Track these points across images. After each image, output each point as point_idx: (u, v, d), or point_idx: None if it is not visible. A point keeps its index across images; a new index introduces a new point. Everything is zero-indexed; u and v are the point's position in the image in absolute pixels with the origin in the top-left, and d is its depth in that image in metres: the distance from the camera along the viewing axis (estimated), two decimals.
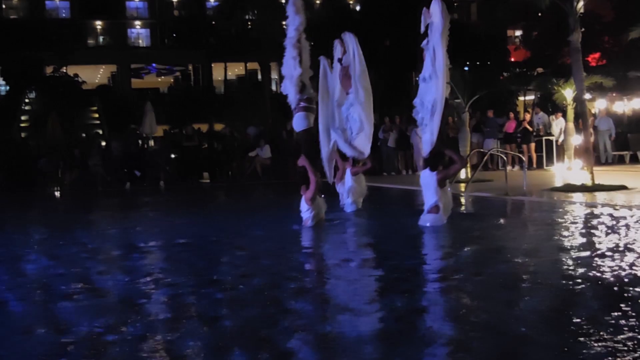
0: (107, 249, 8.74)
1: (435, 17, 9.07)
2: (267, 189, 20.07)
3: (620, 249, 6.72)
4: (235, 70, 53.30)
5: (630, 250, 6.66)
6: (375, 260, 7.27)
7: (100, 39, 54.51)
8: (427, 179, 9.04)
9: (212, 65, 51.26)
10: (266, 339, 4.15)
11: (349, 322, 4.51)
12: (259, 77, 49.53)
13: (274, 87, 52.07)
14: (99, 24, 53.90)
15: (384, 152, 22.96)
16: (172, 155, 24.54)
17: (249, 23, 48.87)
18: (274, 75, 52.10)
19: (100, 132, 32.66)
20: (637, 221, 8.67)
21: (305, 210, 9.72)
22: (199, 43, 44.76)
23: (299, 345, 4.03)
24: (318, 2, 56.04)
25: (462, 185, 14.66)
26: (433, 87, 9.03)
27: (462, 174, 17.72)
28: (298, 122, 10.25)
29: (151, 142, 27.44)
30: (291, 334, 4.30)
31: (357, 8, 53.67)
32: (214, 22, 48.46)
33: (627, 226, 8.27)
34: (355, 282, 5.93)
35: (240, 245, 8.52)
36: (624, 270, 5.71)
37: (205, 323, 4.62)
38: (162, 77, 55.30)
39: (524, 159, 18.00)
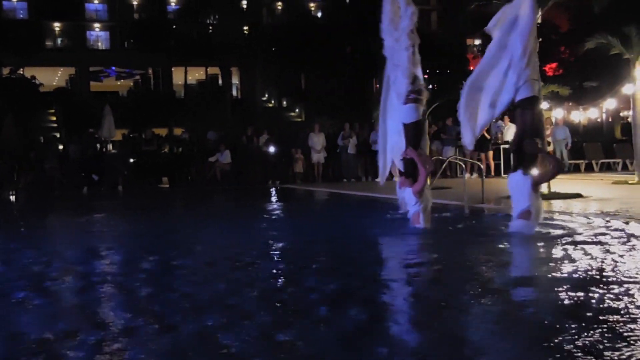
0: (60, 253, 8.60)
1: (523, 10, 8.52)
2: (227, 194, 19.99)
3: (575, 256, 6.80)
4: (196, 74, 53.12)
5: (586, 254, 6.74)
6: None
7: (59, 40, 53.83)
8: (520, 182, 8.42)
9: (173, 69, 51.03)
10: (225, 347, 4.12)
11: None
12: (220, 81, 49.38)
13: (234, 92, 52.02)
14: (57, 25, 53.20)
15: (343, 159, 23.01)
16: (131, 160, 24.31)
17: (211, 27, 48.76)
18: (235, 80, 52.03)
19: (58, 135, 32.21)
20: (591, 228, 8.78)
21: (414, 204, 9.44)
22: (160, 47, 44.47)
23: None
24: (280, 8, 56.07)
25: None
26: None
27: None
28: (408, 114, 9.76)
29: (110, 146, 27.17)
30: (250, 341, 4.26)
31: (319, 14, 53.81)
32: (174, 26, 48.26)
33: (582, 234, 8.39)
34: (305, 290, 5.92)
35: (196, 249, 8.47)
36: (579, 276, 5.78)
37: (158, 330, 4.56)
38: (122, 80, 54.88)
39: (482, 166, 18.19)
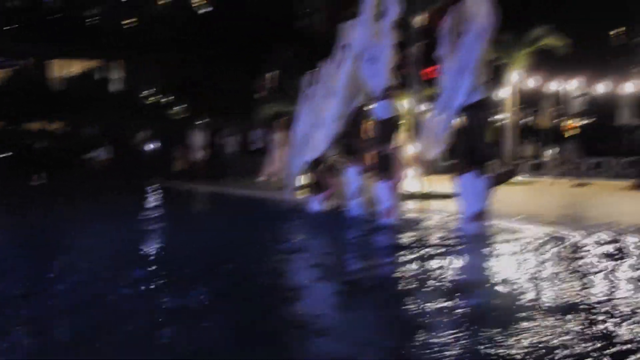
0: None
1: (478, 14, 8.56)
2: (105, 191, 19.54)
3: (446, 250, 7.07)
4: (79, 67, 51.50)
5: (450, 249, 7.02)
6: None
7: None
8: (474, 183, 8.40)
9: (54, 60, 49.33)
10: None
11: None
12: (103, 75, 48.12)
13: (118, 87, 50.77)
14: None
15: (224, 157, 22.94)
16: (6, 154, 23.44)
17: (96, 19, 47.47)
18: (119, 74, 50.81)
19: None
20: (457, 224, 9.08)
21: (387, 200, 9.32)
22: (41, 37, 42.90)
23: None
24: (168, 1, 55.13)
25: (303, 191, 14.83)
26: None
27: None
28: (385, 109, 9.79)
29: None
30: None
31: (209, 9, 53.21)
32: (57, 15, 46.67)
33: (455, 230, 8.74)
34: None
35: (71, 246, 8.29)
36: (442, 268, 6.01)
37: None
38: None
39: None
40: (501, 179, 8.91)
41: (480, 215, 8.43)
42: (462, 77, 8.56)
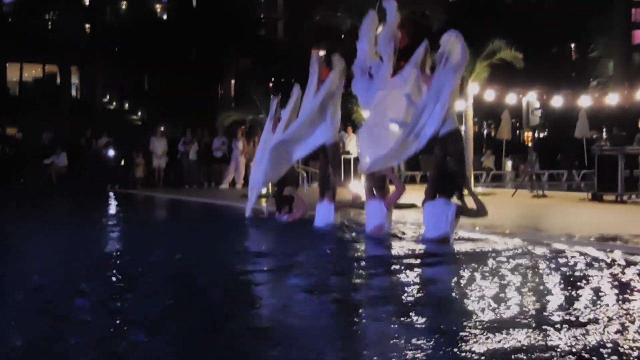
0: None
1: (453, 51, 8.95)
2: (60, 198, 19.23)
3: (398, 261, 7.08)
4: (33, 72, 50.71)
5: (402, 261, 7.02)
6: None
7: None
8: (441, 208, 8.62)
9: (7, 65, 48.51)
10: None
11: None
12: (58, 80, 47.49)
13: (74, 92, 50.14)
14: None
15: (185, 165, 22.71)
16: None
17: (50, 23, 46.82)
18: (75, 80, 50.17)
19: None
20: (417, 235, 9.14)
21: (381, 216, 9.36)
22: None
23: None
24: (124, 7, 54.71)
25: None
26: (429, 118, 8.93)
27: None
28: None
29: None
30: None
31: (165, 17, 52.99)
32: (10, 19, 45.89)
33: (414, 241, 8.78)
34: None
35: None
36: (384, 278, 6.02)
37: None
38: None
39: None
40: (468, 214, 9.02)
41: (442, 240, 8.62)
42: (434, 108, 8.85)
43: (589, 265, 7.11)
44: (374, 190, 9.73)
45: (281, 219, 11.30)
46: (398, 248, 8.50)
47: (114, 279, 6.77)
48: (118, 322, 4.93)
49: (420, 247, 8.45)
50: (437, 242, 8.59)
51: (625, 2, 71.52)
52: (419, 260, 7.66)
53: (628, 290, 5.75)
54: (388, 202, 9.56)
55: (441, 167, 9.06)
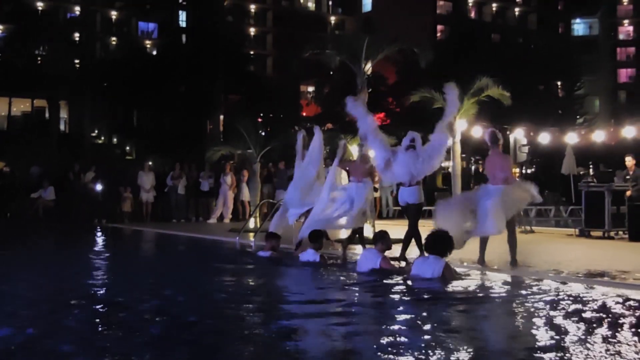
0: None
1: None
2: (47, 233, 19.09)
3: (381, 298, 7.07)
4: (21, 106, 50.67)
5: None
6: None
7: None
8: (430, 264, 8.53)
9: None
10: None
11: None
12: (47, 115, 47.52)
13: (62, 127, 50.11)
14: None
15: (172, 199, 22.64)
16: None
17: (39, 58, 46.94)
18: (63, 114, 50.19)
19: None
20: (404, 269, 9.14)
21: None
22: None
23: None
24: (114, 42, 55.03)
25: (251, 234, 14.76)
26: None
27: (252, 223, 17.93)
28: (416, 195, 10.91)
29: None
30: None
31: (154, 52, 53.28)
32: (0, 54, 46.00)
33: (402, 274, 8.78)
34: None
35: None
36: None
37: None
38: None
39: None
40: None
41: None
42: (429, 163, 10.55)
43: (577, 300, 7.12)
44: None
45: (264, 255, 11.25)
46: (390, 288, 8.48)
47: (99, 313, 6.72)
48: (104, 356, 4.90)
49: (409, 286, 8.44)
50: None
51: (611, 41, 72.59)
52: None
53: (618, 328, 5.76)
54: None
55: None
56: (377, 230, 10.75)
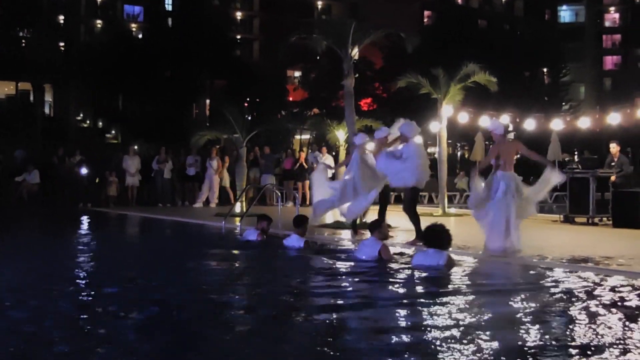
0: None
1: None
2: (31, 216, 18.99)
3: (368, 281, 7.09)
4: (5, 89, 50.32)
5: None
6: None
7: None
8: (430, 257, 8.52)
9: None
10: None
11: None
12: (31, 98, 47.17)
13: (47, 110, 49.81)
14: None
15: (158, 183, 22.55)
16: None
17: (23, 41, 46.56)
18: (48, 98, 49.88)
19: None
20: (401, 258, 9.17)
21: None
22: None
23: None
24: (99, 26, 54.57)
25: (237, 219, 14.73)
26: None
27: (237, 208, 17.87)
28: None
29: None
30: None
31: (140, 36, 52.89)
32: None
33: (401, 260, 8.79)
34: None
35: None
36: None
37: None
38: None
39: (297, 195, 18.56)
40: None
41: None
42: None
43: (559, 285, 7.17)
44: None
45: (251, 236, 11.23)
46: (382, 274, 8.50)
47: (82, 298, 6.70)
48: (89, 340, 4.89)
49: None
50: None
51: (596, 28, 72.77)
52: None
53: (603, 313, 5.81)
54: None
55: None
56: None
